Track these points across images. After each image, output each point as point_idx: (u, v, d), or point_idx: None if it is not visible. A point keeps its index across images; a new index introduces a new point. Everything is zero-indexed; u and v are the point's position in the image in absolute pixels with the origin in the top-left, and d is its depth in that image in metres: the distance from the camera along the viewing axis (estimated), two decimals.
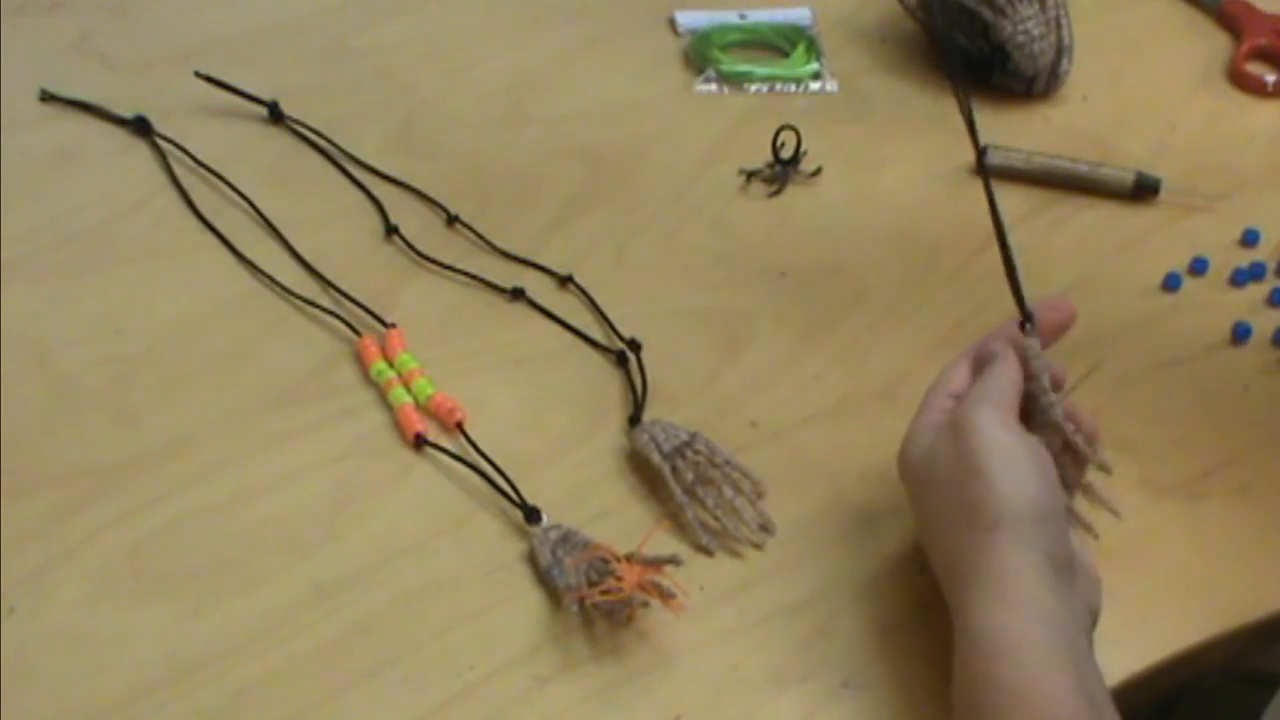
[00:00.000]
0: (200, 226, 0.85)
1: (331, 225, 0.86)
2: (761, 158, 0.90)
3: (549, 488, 0.71)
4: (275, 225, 0.84)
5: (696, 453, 0.70)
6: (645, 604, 0.64)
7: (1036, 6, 0.95)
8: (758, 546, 0.69)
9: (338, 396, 0.75)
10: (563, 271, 0.83)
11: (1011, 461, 0.61)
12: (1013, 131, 0.94)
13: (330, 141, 0.90)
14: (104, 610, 0.65)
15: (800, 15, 1.04)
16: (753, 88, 0.98)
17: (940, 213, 0.89)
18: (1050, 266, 0.84)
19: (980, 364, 0.66)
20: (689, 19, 1.03)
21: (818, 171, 0.90)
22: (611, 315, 0.80)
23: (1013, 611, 0.58)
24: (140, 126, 0.90)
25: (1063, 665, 0.57)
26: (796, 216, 0.89)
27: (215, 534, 0.68)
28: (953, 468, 0.62)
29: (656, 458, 0.71)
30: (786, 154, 0.90)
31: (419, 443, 0.72)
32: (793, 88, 0.98)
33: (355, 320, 0.79)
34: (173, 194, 0.87)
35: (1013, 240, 0.87)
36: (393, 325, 0.78)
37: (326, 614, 0.65)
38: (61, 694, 0.62)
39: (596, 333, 0.80)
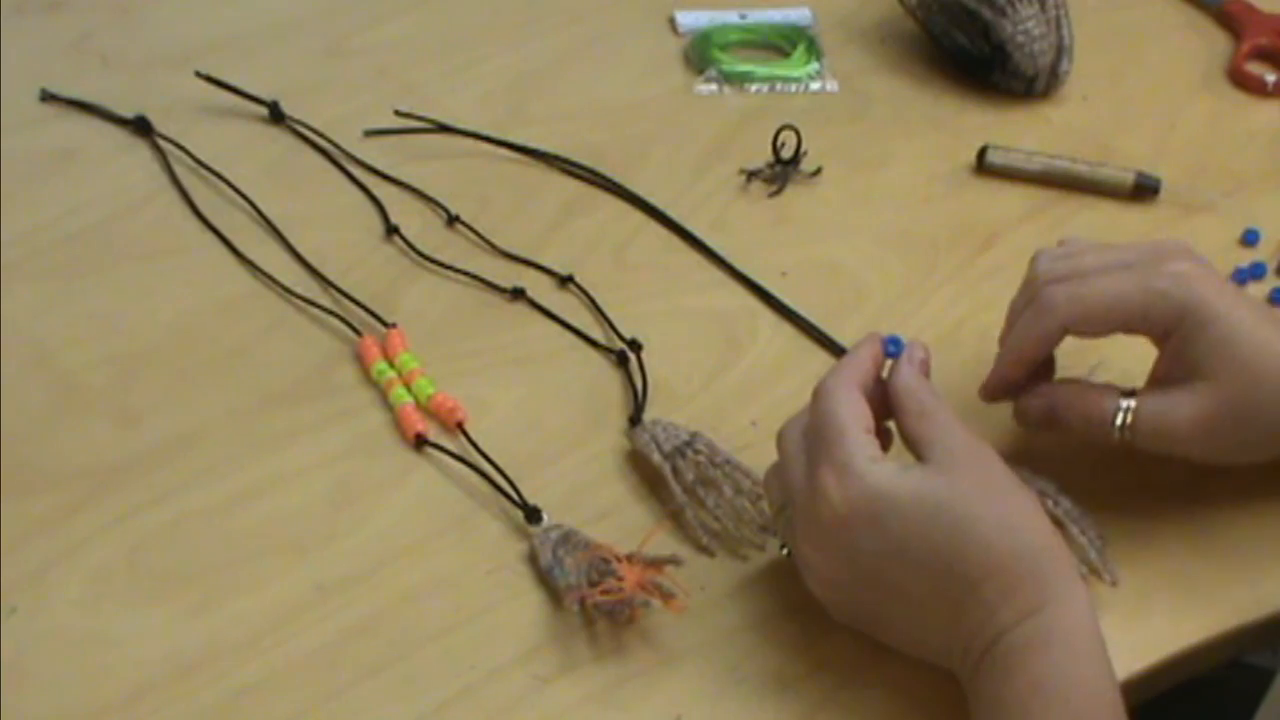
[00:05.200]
0: (200, 226, 0.85)
1: (332, 225, 0.86)
2: (762, 158, 0.90)
3: (550, 487, 0.70)
4: (275, 225, 0.84)
5: (697, 452, 0.70)
6: (646, 604, 0.64)
7: (1036, 6, 0.95)
8: (759, 547, 0.69)
9: (338, 396, 0.75)
10: (563, 271, 0.83)
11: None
12: (1013, 131, 0.94)
13: (331, 141, 0.90)
14: (104, 610, 0.65)
15: (800, 15, 1.04)
16: (753, 88, 0.98)
17: (940, 213, 0.89)
18: None
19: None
20: (689, 19, 1.03)
21: (818, 171, 0.90)
22: (612, 315, 0.80)
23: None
24: (140, 126, 0.90)
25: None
26: (796, 216, 0.89)
27: (216, 534, 0.68)
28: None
29: (657, 457, 0.71)
30: (787, 154, 0.90)
31: (419, 442, 0.72)
32: (793, 88, 0.98)
33: (356, 320, 0.79)
34: (173, 194, 0.87)
35: (1014, 240, 0.87)
36: (393, 325, 0.78)
37: (327, 614, 0.65)
38: (61, 694, 0.62)
39: (597, 332, 0.80)
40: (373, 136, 0.91)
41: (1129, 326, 0.67)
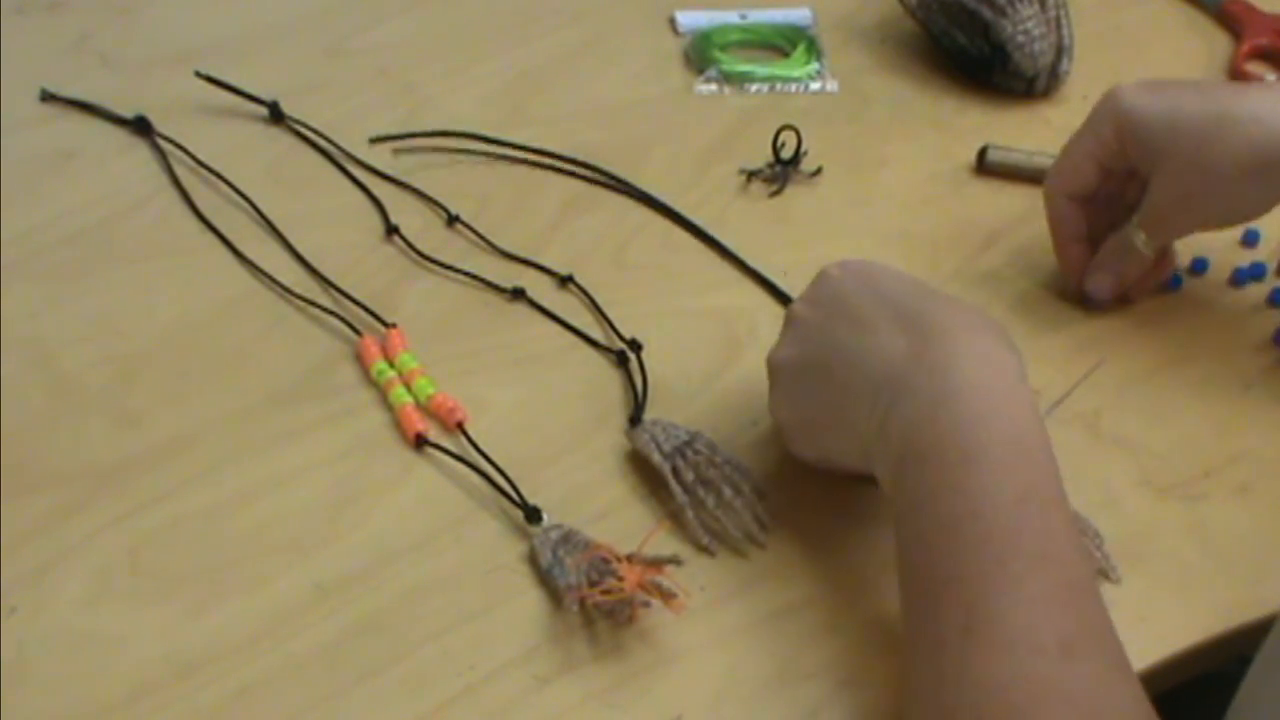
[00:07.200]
0: (200, 226, 0.85)
1: (332, 225, 0.86)
2: (762, 158, 0.90)
3: (549, 487, 0.70)
4: (275, 225, 0.84)
5: (697, 453, 0.70)
6: (646, 604, 0.64)
7: (1036, 6, 0.95)
8: (760, 546, 0.69)
9: (338, 396, 0.75)
10: (563, 271, 0.83)
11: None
12: (1013, 131, 0.94)
13: (330, 141, 0.90)
14: (104, 610, 0.65)
15: (800, 15, 1.04)
16: (753, 88, 0.98)
17: (940, 213, 0.89)
18: (1050, 266, 0.84)
19: None
20: (689, 19, 1.03)
21: (818, 171, 0.90)
22: (612, 315, 0.80)
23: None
24: (140, 126, 0.90)
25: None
26: (796, 216, 0.89)
27: (216, 534, 0.68)
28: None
29: (657, 457, 0.71)
30: (787, 154, 0.90)
31: (419, 442, 0.72)
32: (793, 88, 0.98)
33: (355, 320, 0.79)
34: (173, 194, 0.87)
35: (1014, 240, 0.88)
36: (393, 325, 0.78)
37: (327, 614, 0.65)
38: (61, 694, 0.62)
39: (597, 332, 0.80)
40: (375, 139, 0.91)
41: (1102, 161, 0.78)
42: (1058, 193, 0.81)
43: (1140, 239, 0.78)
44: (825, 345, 0.66)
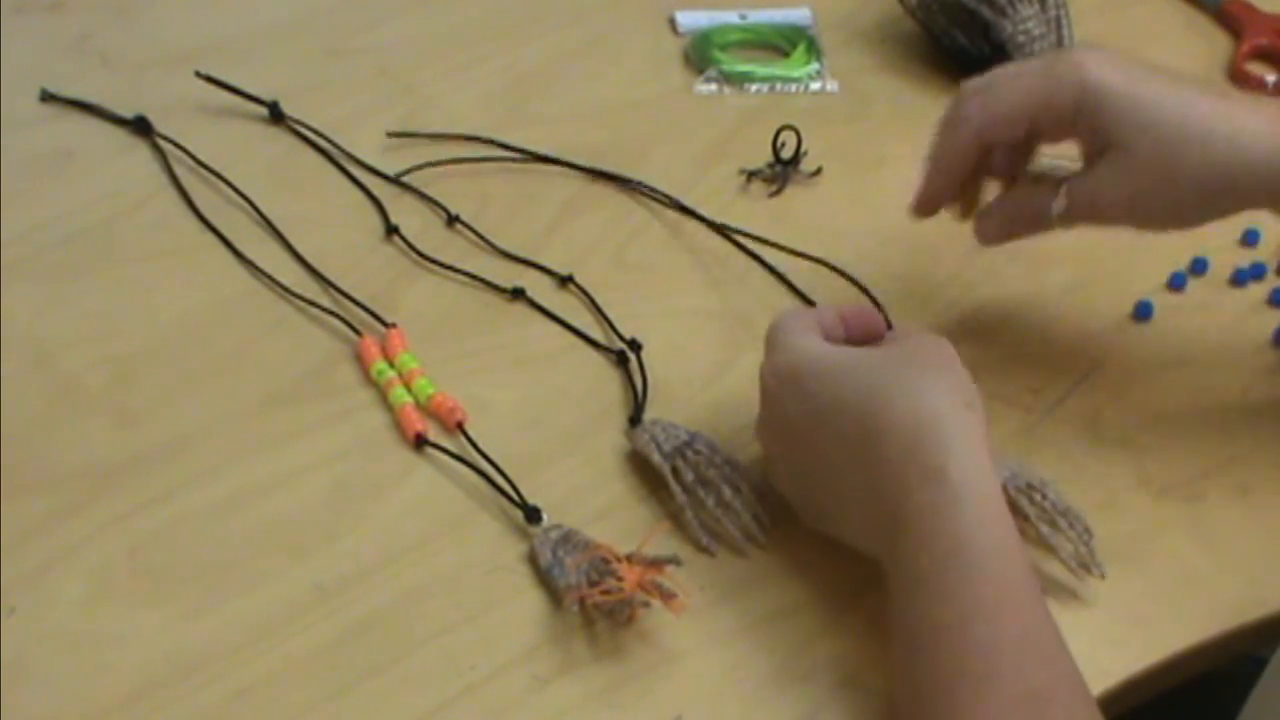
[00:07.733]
0: (200, 226, 0.85)
1: (332, 225, 0.86)
2: (762, 158, 0.90)
3: (549, 488, 0.70)
4: (275, 225, 0.84)
5: (697, 453, 0.70)
6: (646, 604, 0.64)
7: (1036, 6, 0.95)
8: (760, 546, 0.69)
9: (338, 396, 0.75)
10: (563, 271, 0.83)
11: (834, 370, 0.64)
12: None
13: (330, 141, 0.90)
14: (104, 610, 0.65)
15: (800, 15, 1.04)
16: (753, 88, 0.98)
17: (940, 213, 0.89)
18: (1050, 267, 0.84)
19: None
20: (689, 19, 1.03)
21: (818, 171, 0.90)
22: (612, 315, 0.80)
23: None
24: (140, 126, 0.90)
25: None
26: (796, 216, 0.88)
27: (215, 534, 0.68)
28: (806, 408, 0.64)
29: (657, 458, 0.71)
30: (787, 154, 0.90)
31: (419, 443, 0.72)
32: (793, 88, 0.98)
33: (355, 320, 0.79)
34: (173, 194, 0.87)
35: (1013, 240, 0.87)
36: (393, 325, 0.78)
37: (327, 614, 0.65)
38: (61, 694, 0.62)
39: (597, 333, 0.80)
40: (389, 137, 0.90)
41: (1038, 120, 0.71)
42: (970, 129, 0.72)
43: (1060, 207, 0.72)
44: (800, 475, 0.67)
